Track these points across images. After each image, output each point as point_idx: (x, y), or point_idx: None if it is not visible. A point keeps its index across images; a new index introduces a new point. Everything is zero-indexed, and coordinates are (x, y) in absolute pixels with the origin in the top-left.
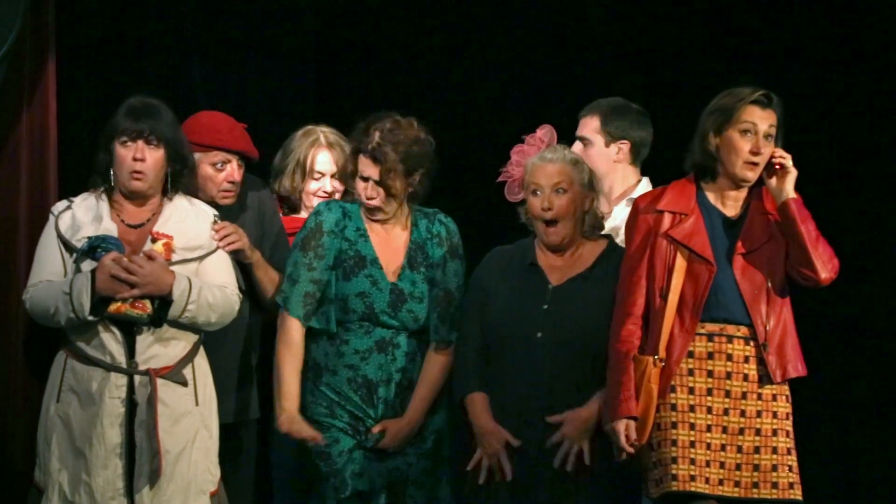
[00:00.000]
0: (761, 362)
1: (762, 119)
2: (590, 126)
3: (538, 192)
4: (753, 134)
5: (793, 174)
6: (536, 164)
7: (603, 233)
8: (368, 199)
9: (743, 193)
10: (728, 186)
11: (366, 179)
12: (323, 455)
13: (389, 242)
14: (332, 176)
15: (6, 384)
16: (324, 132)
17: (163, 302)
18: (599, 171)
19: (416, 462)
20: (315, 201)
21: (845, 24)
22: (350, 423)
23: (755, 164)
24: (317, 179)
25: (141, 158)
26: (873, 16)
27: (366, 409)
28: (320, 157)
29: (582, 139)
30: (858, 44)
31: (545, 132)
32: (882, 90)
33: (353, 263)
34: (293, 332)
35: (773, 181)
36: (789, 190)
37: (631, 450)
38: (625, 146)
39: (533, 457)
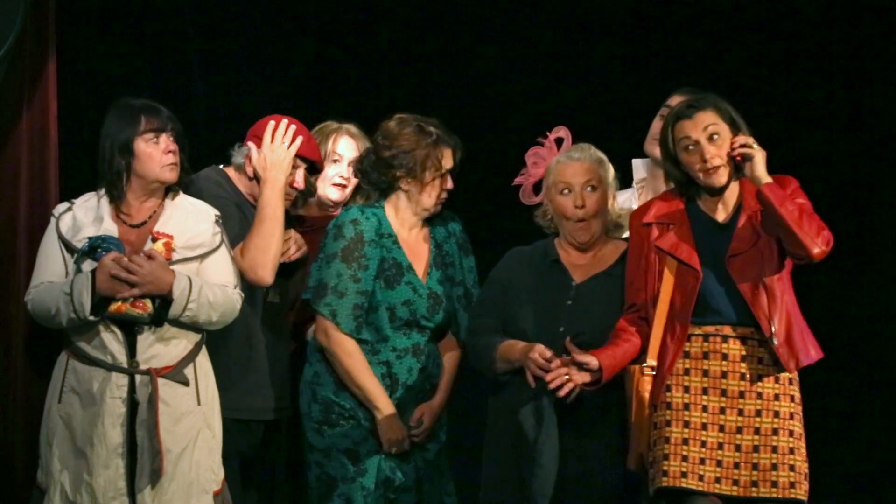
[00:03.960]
0: (760, 361)
1: (693, 128)
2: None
3: (567, 191)
4: (695, 145)
5: (759, 157)
6: (564, 162)
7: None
8: (448, 191)
9: (730, 197)
10: (711, 194)
11: (448, 172)
12: (351, 453)
13: (415, 245)
14: (350, 164)
15: (7, 386)
16: (347, 125)
17: (163, 301)
18: None
19: (433, 458)
20: (331, 190)
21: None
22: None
23: (712, 168)
24: (336, 162)
25: (173, 150)
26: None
27: None
28: (343, 141)
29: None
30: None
31: (562, 132)
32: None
33: (394, 272)
34: (348, 344)
35: (747, 170)
36: (761, 175)
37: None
38: None
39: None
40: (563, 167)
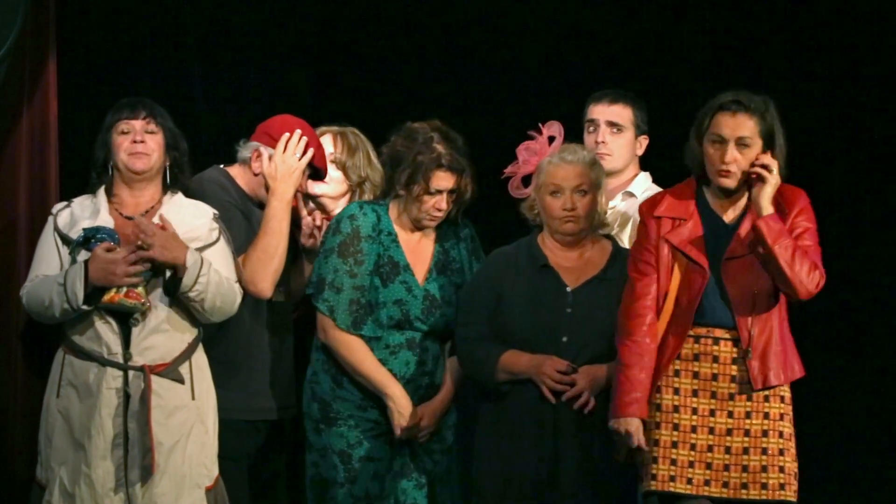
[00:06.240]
0: None
1: (731, 127)
2: (624, 115)
3: (557, 194)
4: (722, 143)
5: (769, 185)
6: (556, 164)
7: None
8: (440, 210)
9: (740, 198)
10: (721, 190)
11: (440, 192)
12: (344, 455)
13: (417, 246)
14: (331, 160)
15: (7, 387)
16: (338, 127)
17: (173, 274)
18: (623, 161)
19: (441, 460)
20: (307, 183)
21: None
22: (378, 419)
23: (725, 171)
24: None
25: (140, 140)
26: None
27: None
28: (322, 139)
29: (616, 125)
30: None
31: (555, 129)
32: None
33: (388, 269)
34: (347, 339)
35: (754, 191)
36: (764, 205)
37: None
38: (645, 141)
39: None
40: (554, 169)
